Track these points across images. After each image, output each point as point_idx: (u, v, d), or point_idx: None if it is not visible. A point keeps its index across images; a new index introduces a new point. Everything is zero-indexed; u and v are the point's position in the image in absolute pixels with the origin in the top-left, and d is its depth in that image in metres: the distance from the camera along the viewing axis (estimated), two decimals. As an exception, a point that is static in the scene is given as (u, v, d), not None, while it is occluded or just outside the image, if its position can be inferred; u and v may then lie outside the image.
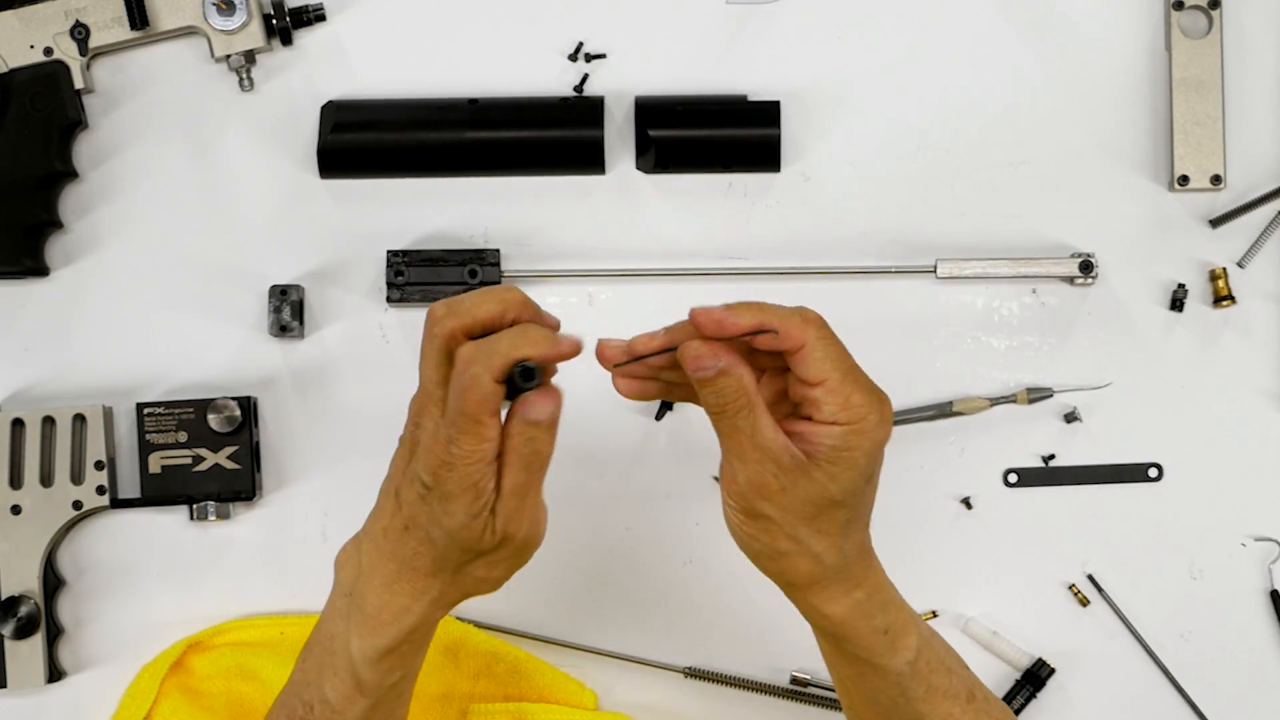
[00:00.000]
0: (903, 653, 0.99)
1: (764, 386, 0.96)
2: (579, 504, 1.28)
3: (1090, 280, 1.27)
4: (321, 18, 1.29)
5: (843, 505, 0.93)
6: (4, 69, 1.25)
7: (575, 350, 0.91)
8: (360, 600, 0.96)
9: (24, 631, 1.24)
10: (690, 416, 1.28)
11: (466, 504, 0.91)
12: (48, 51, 1.26)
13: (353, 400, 1.29)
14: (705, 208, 1.30)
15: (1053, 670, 1.27)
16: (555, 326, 0.94)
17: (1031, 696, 1.27)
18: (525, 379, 0.89)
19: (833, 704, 1.27)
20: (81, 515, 1.27)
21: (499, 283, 1.26)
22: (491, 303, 0.92)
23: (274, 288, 1.27)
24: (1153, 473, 1.29)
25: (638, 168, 1.29)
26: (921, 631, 1.01)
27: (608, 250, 1.29)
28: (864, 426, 0.92)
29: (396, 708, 1.02)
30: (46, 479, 1.26)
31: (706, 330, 0.92)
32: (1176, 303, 1.29)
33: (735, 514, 0.95)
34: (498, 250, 1.27)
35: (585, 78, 1.29)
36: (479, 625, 1.27)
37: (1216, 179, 1.27)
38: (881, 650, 0.99)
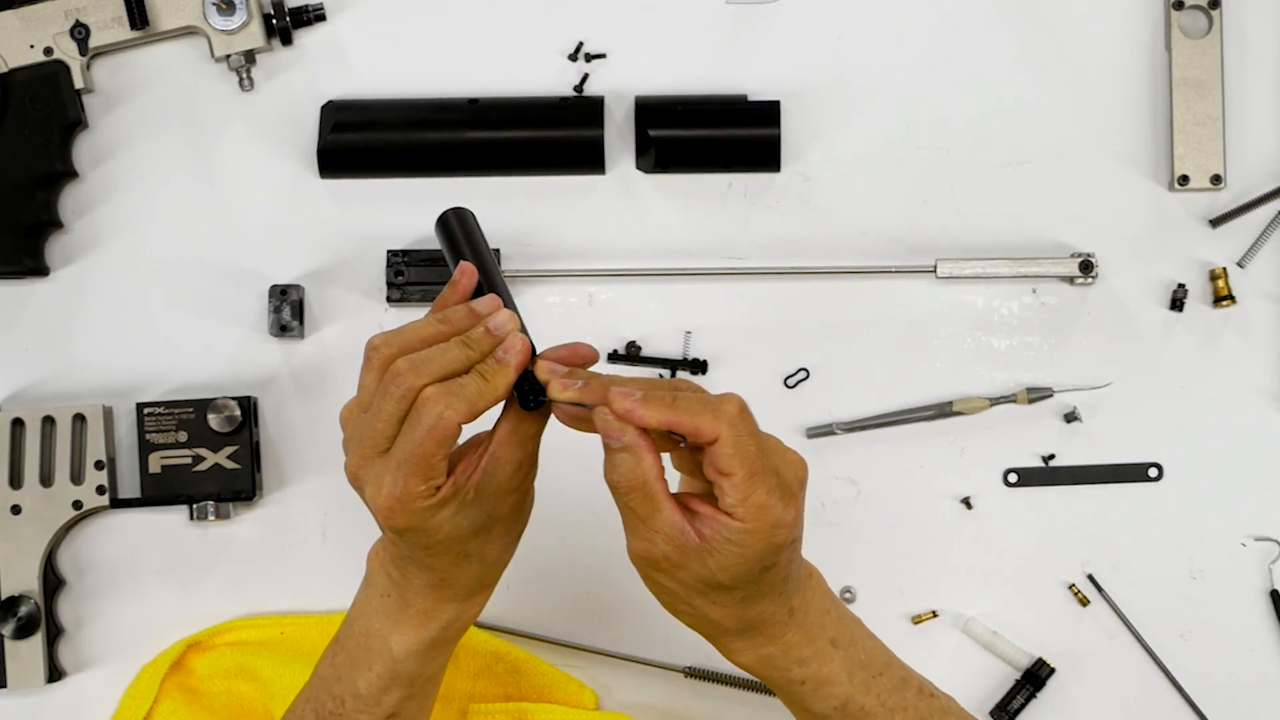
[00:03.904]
0: (827, 700, 0.97)
1: (685, 451, 0.95)
2: (579, 505, 1.28)
3: (1090, 280, 1.27)
4: (321, 18, 1.29)
5: (733, 589, 0.92)
6: (4, 69, 1.25)
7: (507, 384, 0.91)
8: (401, 602, 0.98)
9: (24, 631, 1.24)
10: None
11: (434, 532, 0.92)
12: (48, 51, 1.26)
13: (353, 400, 1.29)
14: (705, 208, 1.30)
15: (1053, 670, 1.27)
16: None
17: (1031, 696, 1.27)
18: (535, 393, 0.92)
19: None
20: (81, 515, 1.27)
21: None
22: (455, 353, 0.91)
23: (274, 288, 1.27)
24: (1153, 473, 1.29)
25: (638, 168, 1.29)
26: (856, 680, 0.97)
27: (608, 250, 1.29)
28: (759, 527, 0.90)
29: (430, 696, 1.04)
30: (46, 479, 1.26)
31: (616, 415, 0.90)
32: (1176, 303, 1.28)
33: (639, 572, 0.95)
34: (498, 250, 1.27)
35: (585, 78, 1.29)
36: (479, 625, 1.27)
37: (1216, 179, 1.27)
38: (800, 696, 0.98)
